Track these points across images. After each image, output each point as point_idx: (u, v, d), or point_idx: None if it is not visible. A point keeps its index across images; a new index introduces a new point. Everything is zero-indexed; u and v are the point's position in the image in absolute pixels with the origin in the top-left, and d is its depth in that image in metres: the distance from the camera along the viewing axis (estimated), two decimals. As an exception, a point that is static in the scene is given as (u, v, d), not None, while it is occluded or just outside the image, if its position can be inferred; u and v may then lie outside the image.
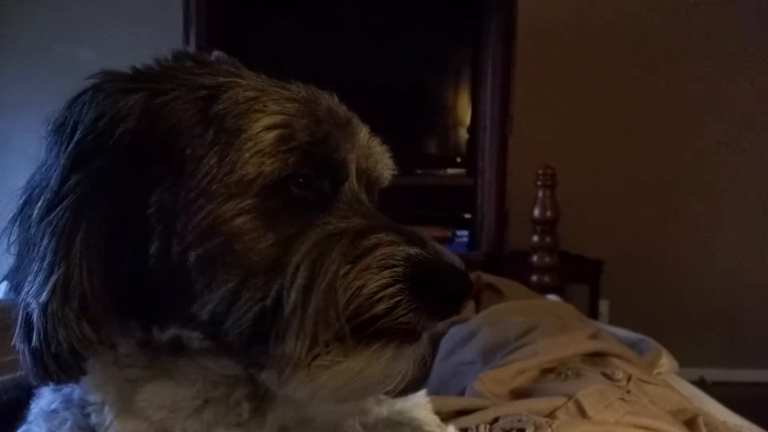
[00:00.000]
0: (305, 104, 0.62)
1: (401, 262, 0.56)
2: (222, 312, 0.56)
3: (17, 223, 0.61)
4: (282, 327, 0.54)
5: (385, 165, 0.69)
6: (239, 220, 0.57)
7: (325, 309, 0.54)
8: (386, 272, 0.55)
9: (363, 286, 0.55)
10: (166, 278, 0.58)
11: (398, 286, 0.55)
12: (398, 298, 0.55)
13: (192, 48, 3.84)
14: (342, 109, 0.65)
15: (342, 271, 0.55)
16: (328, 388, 0.56)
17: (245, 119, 0.59)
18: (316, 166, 0.60)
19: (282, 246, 0.57)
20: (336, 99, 0.65)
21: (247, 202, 0.57)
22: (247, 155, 0.57)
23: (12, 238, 0.61)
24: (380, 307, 0.55)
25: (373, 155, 0.67)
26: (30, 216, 0.59)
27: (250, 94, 0.60)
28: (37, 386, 0.68)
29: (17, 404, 0.72)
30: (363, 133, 0.66)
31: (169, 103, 0.59)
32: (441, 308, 0.57)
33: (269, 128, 0.59)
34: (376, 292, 0.55)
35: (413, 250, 0.57)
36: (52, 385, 0.67)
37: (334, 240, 0.57)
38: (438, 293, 0.56)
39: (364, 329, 0.55)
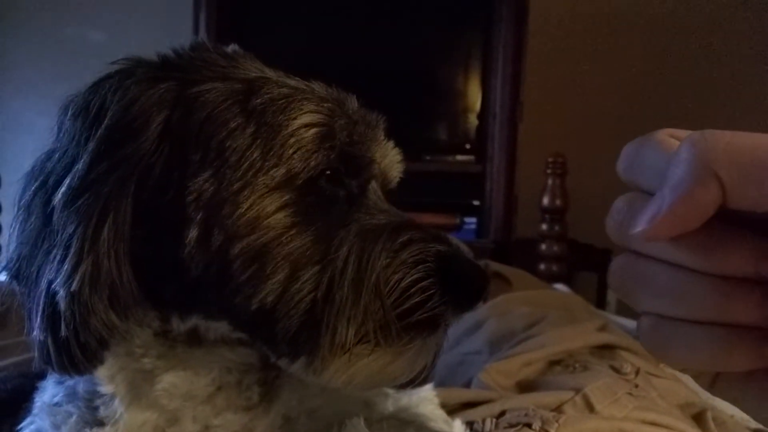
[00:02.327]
0: (338, 104, 0.63)
1: (432, 258, 0.58)
2: (271, 303, 0.57)
3: (29, 210, 0.60)
4: (333, 316, 0.56)
5: (397, 168, 0.70)
6: (282, 214, 0.58)
7: (374, 300, 0.56)
8: (420, 267, 0.58)
9: (401, 279, 0.57)
10: (201, 267, 0.57)
11: (430, 280, 0.57)
12: (431, 291, 0.57)
13: (202, 31, 3.84)
14: (367, 111, 0.66)
15: (384, 265, 0.57)
16: (364, 374, 0.58)
17: (284, 116, 0.59)
18: (349, 164, 0.62)
19: (323, 240, 0.58)
20: (356, 101, 0.66)
21: (288, 196, 0.58)
22: (291, 150, 0.58)
23: (20, 226, 0.60)
24: (415, 299, 0.57)
25: (389, 157, 0.68)
26: (45, 203, 0.58)
27: (285, 91, 0.61)
28: (44, 375, 0.68)
29: (21, 393, 0.72)
30: (383, 135, 0.67)
31: (204, 94, 0.59)
32: (464, 302, 0.60)
33: (308, 126, 0.60)
34: (412, 285, 0.57)
35: (442, 247, 0.59)
36: (55, 378, 0.67)
37: (374, 235, 0.59)
38: (463, 288, 0.59)
39: (400, 320, 0.57)
